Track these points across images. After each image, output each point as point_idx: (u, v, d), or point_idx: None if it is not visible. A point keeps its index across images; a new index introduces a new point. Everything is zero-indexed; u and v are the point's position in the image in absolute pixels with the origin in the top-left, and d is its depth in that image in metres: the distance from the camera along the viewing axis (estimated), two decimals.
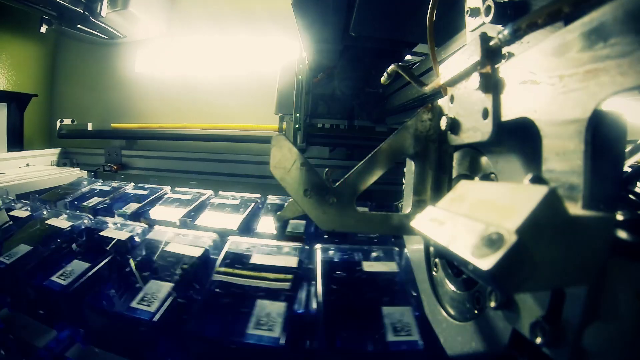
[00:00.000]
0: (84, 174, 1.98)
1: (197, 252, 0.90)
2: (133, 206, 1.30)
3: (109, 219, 1.12)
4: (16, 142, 2.42)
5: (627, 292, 0.23)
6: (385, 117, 1.82)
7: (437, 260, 0.53)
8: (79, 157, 2.48)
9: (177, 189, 1.47)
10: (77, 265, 0.86)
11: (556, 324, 0.26)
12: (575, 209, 0.24)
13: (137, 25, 2.41)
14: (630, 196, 0.38)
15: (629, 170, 0.42)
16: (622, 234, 0.25)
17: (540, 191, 0.21)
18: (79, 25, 2.23)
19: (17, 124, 2.43)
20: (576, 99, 0.25)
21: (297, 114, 1.62)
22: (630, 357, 0.23)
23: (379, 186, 0.60)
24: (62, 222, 1.09)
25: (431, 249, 0.56)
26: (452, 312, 0.47)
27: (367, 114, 1.83)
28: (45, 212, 1.19)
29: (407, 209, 0.50)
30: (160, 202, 1.35)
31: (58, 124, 2.50)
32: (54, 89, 2.85)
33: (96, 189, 1.53)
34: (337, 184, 0.49)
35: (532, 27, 0.30)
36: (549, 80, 0.27)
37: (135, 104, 2.73)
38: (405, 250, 0.89)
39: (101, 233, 1.01)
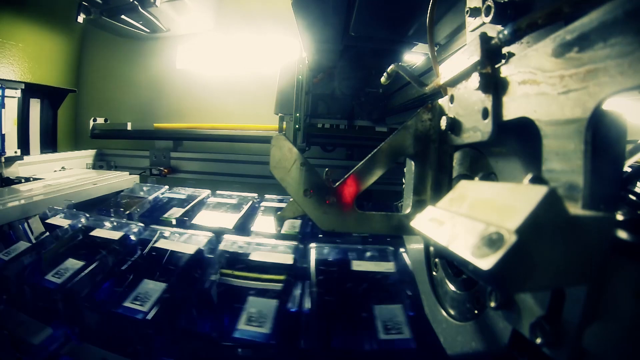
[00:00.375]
0: (136, 178, 1.77)
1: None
2: (232, 218, 1.15)
3: (237, 238, 0.94)
4: (49, 142, 2.11)
5: (627, 292, 0.23)
6: (385, 117, 1.81)
7: (437, 260, 0.53)
8: (117, 159, 2.28)
9: (266, 196, 1.37)
10: (262, 305, 0.70)
11: (556, 324, 0.26)
12: (575, 209, 0.24)
13: (184, 18, 2.22)
14: (630, 196, 0.38)
15: (629, 170, 0.42)
16: (622, 234, 0.24)
17: (540, 191, 0.21)
18: (122, 16, 1.98)
19: (49, 123, 2.11)
20: (576, 99, 0.25)
21: (297, 114, 1.62)
22: (630, 357, 0.22)
23: (379, 186, 0.59)
24: (180, 244, 0.87)
25: (431, 249, 0.56)
26: (452, 312, 0.47)
27: (367, 114, 1.83)
28: (135, 229, 0.97)
29: (407, 209, 0.50)
30: (261, 211, 1.21)
31: (91, 123, 2.27)
32: (81, 84, 2.61)
33: (165, 198, 1.36)
34: (337, 184, 0.49)
35: (532, 27, 0.30)
36: (549, 80, 0.27)
37: (177, 102, 2.53)
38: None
39: (253, 257, 0.85)
